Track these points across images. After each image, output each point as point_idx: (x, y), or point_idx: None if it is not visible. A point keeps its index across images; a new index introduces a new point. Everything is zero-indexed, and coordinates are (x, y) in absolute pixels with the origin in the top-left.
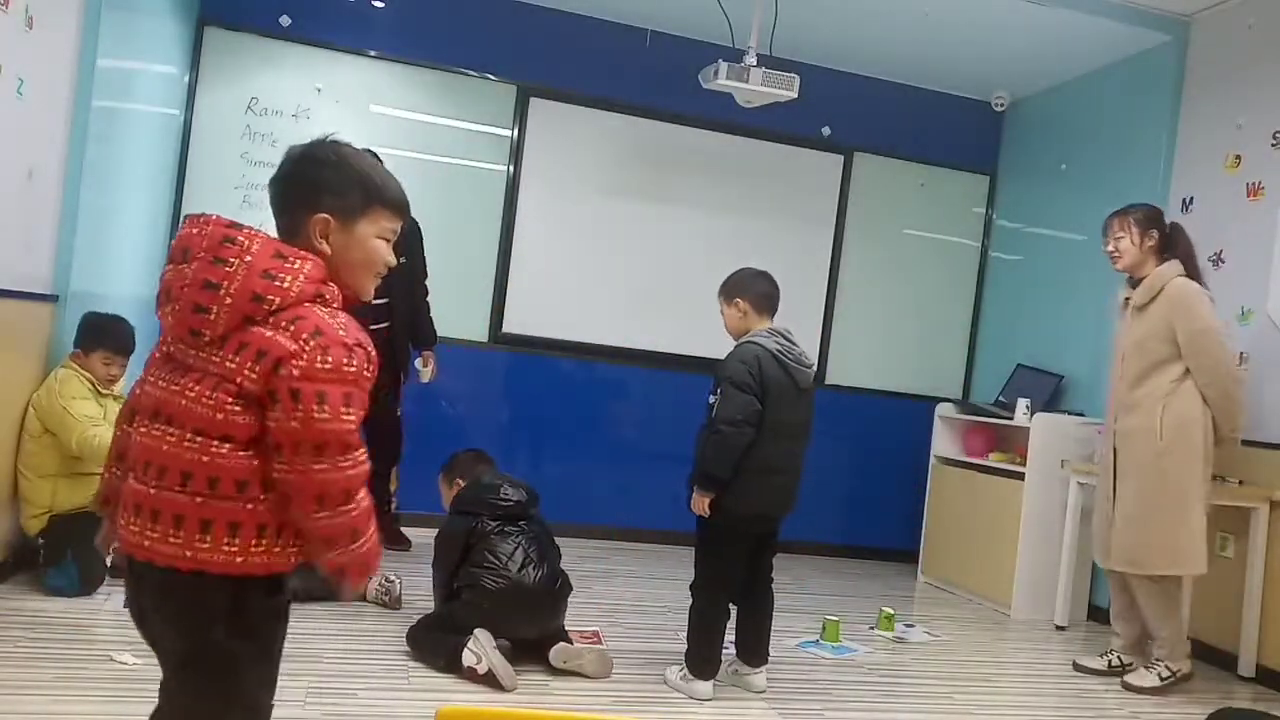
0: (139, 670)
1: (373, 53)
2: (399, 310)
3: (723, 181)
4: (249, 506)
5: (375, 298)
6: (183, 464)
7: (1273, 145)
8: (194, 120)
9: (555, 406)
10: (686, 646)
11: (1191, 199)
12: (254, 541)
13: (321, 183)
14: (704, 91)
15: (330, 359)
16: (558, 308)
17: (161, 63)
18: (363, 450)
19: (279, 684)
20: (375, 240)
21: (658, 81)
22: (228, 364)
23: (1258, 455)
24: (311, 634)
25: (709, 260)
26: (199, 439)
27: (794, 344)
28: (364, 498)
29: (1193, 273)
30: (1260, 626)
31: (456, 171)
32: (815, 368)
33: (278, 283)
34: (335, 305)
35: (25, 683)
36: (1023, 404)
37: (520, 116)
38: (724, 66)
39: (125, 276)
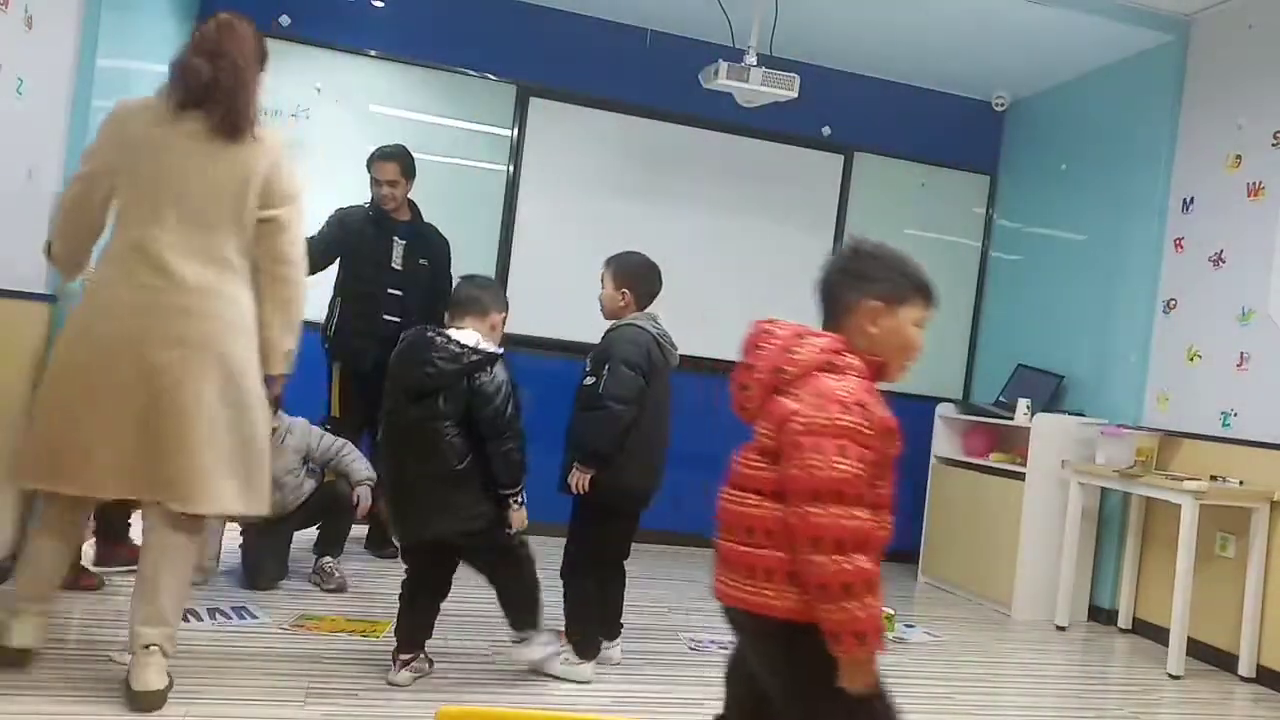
0: None
1: (372, 52)
2: (413, 310)
3: (723, 181)
4: (779, 555)
5: (391, 288)
6: (746, 521)
7: (1273, 145)
8: None
9: (554, 406)
10: (568, 630)
11: (1192, 199)
12: (788, 588)
13: (868, 273)
14: (704, 91)
15: (827, 413)
16: (557, 307)
17: (161, 62)
18: (863, 509)
19: (277, 685)
20: (914, 326)
21: (658, 81)
22: (761, 430)
23: (1258, 455)
24: (311, 634)
25: (709, 260)
26: (752, 496)
27: (662, 326)
28: (864, 560)
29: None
30: (1260, 626)
31: (456, 171)
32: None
33: (793, 355)
34: (849, 373)
35: (25, 682)
36: (1023, 404)
37: (520, 116)
38: (724, 66)
39: None
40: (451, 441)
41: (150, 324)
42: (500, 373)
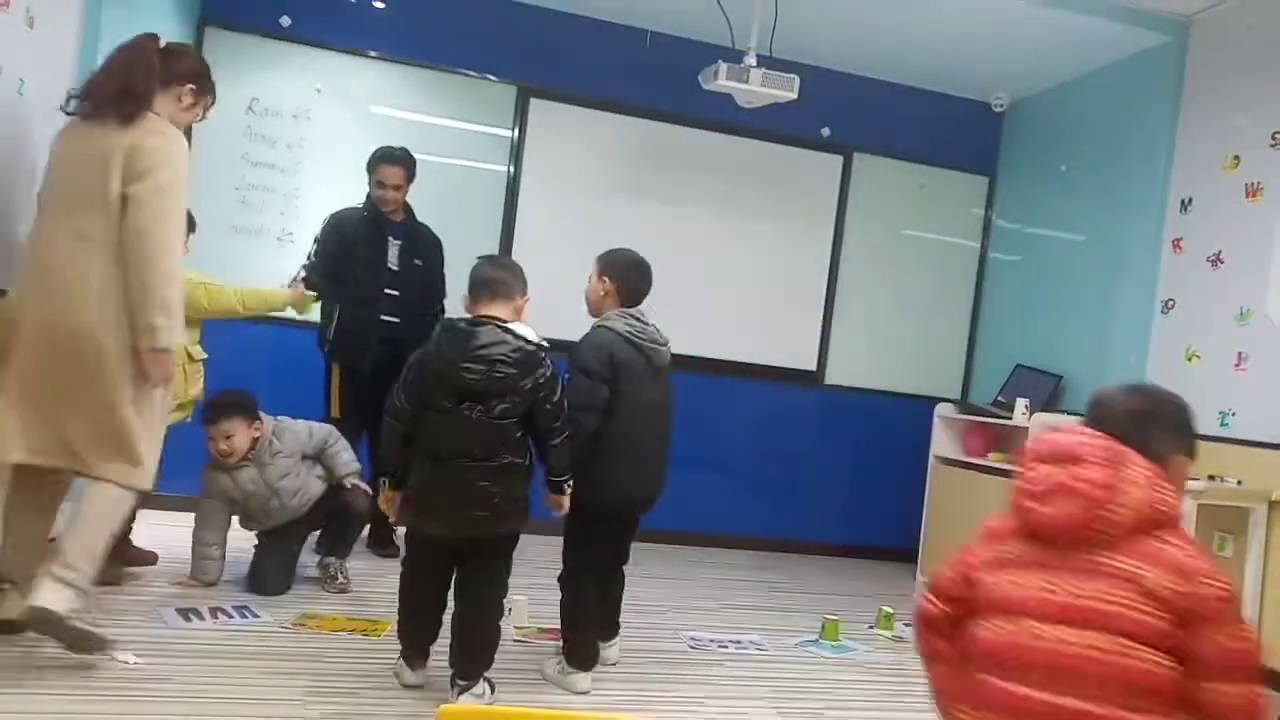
0: (139, 670)
1: (373, 53)
2: (410, 310)
3: (722, 182)
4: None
5: (388, 288)
6: (1137, 678)
7: (1271, 146)
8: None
9: None
10: (562, 639)
11: (1191, 199)
12: None
13: (1176, 424)
14: (704, 92)
15: (1224, 582)
16: (557, 308)
17: None
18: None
19: (278, 684)
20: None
21: (658, 82)
22: (1141, 571)
23: (1256, 455)
24: (312, 633)
25: (709, 261)
26: (1125, 642)
27: (646, 324)
28: None
29: None
30: (1259, 625)
31: (457, 172)
32: (668, 345)
33: (1165, 498)
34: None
35: (25, 683)
36: (1021, 404)
37: (520, 117)
38: (724, 67)
39: None
40: (516, 437)
41: (28, 302)
42: (553, 363)
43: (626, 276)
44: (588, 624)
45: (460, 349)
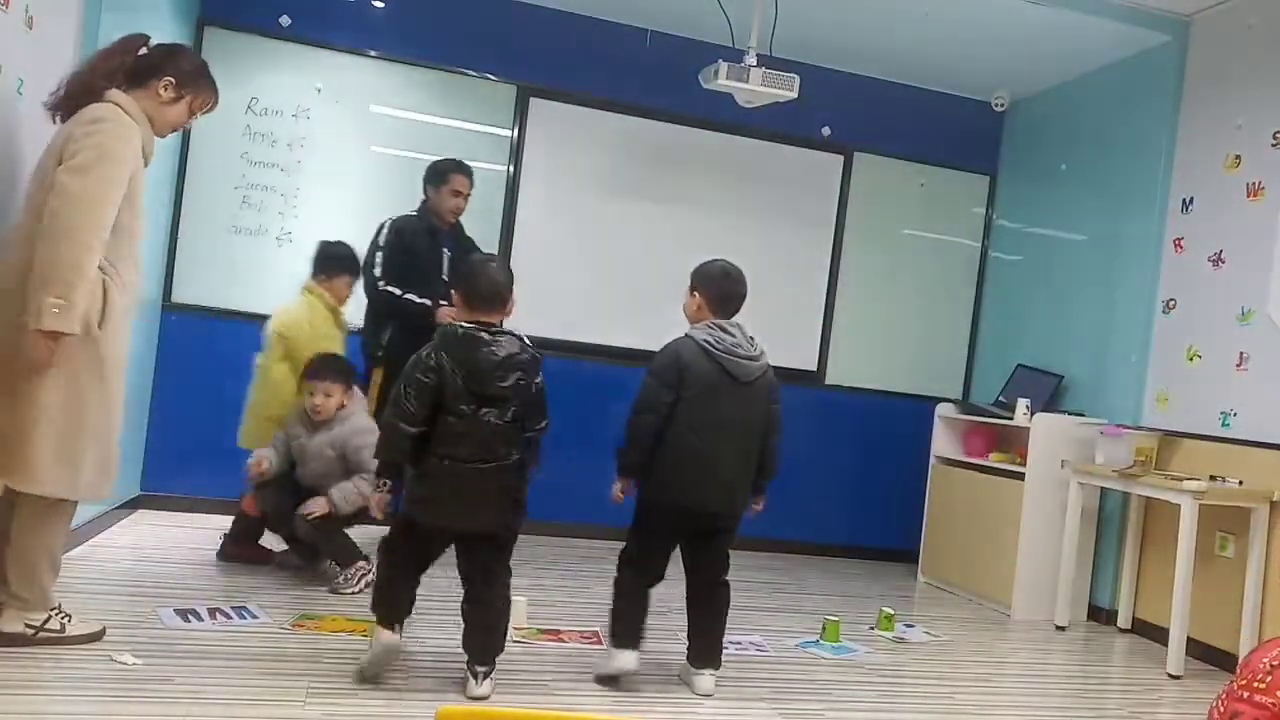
0: (139, 670)
1: (373, 53)
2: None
3: (723, 182)
4: None
5: (443, 299)
6: None
7: (1273, 145)
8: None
9: (554, 407)
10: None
11: (1192, 199)
12: None
13: None
14: (704, 91)
15: None
16: (557, 308)
17: None
18: None
19: (277, 684)
20: None
21: (658, 82)
22: None
23: (1257, 455)
24: (311, 633)
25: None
26: None
27: (729, 334)
28: None
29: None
30: (1259, 626)
31: None
32: (762, 360)
33: None
34: None
35: (25, 682)
36: (1023, 404)
37: (520, 116)
38: (724, 66)
39: None
40: (517, 434)
41: None
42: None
43: (715, 286)
44: (624, 602)
45: (491, 360)
